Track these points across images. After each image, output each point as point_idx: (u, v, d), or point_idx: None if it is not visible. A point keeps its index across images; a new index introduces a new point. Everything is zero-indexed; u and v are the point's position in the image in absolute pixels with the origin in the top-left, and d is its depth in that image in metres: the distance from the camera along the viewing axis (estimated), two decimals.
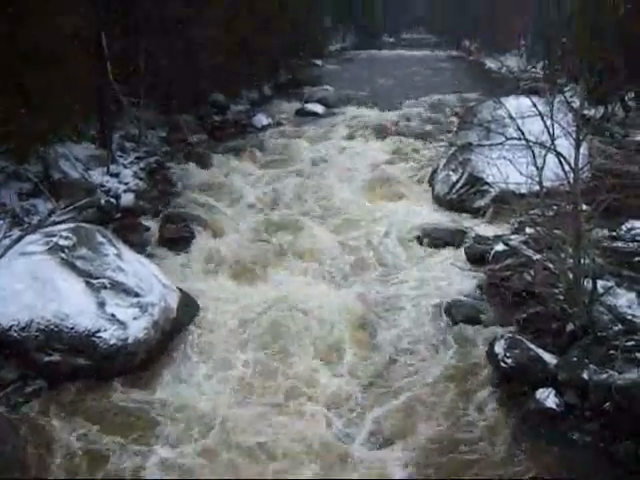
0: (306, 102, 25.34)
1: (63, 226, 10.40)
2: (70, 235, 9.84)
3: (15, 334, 8.62)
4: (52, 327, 8.68)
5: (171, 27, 17.79)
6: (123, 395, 8.45)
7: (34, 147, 12.90)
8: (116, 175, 14.54)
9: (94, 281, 9.29)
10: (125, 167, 15.08)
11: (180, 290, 10.20)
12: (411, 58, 46.08)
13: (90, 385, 8.55)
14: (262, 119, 22.67)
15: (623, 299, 9.01)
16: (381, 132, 20.15)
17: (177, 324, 9.63)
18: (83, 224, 10.64)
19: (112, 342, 8.74)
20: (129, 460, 7.44)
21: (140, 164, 15.56)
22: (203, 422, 7.99)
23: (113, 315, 8.97)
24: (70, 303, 8.92)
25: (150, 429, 7.91)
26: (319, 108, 24.45)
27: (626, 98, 18.41)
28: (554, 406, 7.93)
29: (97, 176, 14.07)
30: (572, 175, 8.81)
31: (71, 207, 12.23)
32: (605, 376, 7.84)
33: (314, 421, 8.06)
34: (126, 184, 14.27)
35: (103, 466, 7.38)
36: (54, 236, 9.76)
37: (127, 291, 9.35)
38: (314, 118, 23.47)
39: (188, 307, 10.02)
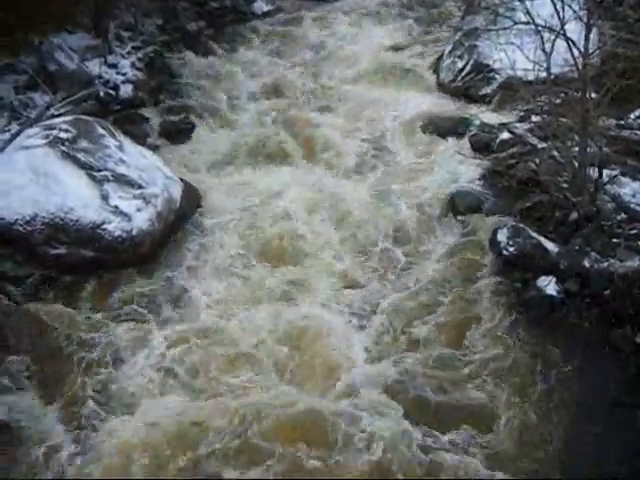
0: None
1: (62, 119, 10.26)
2: (70, 128, 9.70)
3: (20, 228, 8.69)
4: (57, 220, 8.73)
5: None
6: (129, 285, 8.62)
7: (28, 38, 12.54)
8: (114, 66, 14.14)
9: (96, 174, 9.24)
10: (123, 57, 14.64)
11: (183, 181, 10.18)
12: None
13: (97, 276, 8.70)
14: (262, 5, 21.77)
15: (627, 188, 8.97)
16: (384, 18, 19.46)
17: (180, 215, 9.67)
18: (82, 116, 10.47)
19: (117, 234, 8.81)
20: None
21: (138, 54, 15.08)
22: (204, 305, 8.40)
23: (117, 207, 8.98)
24: (74, 196, 8.92)
25: (155, 312, 8.31)
26: None
27: None
28: (554, 293, 8.06)
29: (94, 67, 13.67)
30: (581, 60, 8.58)
31: (69, 99, 12.06)
32: (606, 264, 7.93)
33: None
34: (124, 75, 13.90)
35: (112, 348, 7.80)
36: (54, 129, 9.62)
37: (130, 183, 9.31)
38: (317, 3, 22.49)
39: (191, 198, 10.03)
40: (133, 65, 14.46)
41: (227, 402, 7.03)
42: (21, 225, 8.68)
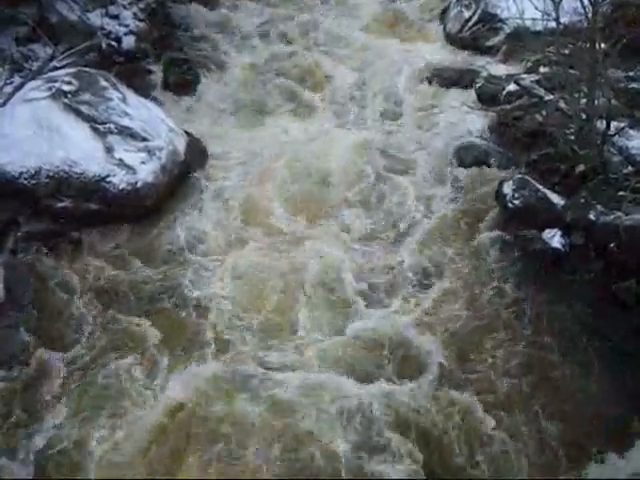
0: None
1: (64, 71, 10.18)
2: (72, 80, 9.65)
3: (25, 182, 8.70)
4: (61, 173, 8.74)
5: None
6: (134, 237, 8.66)
7: None
8: (116, 17, 13.90)
9: (100, 126, 9.20)
10: (124, 8, 14.39)
11: (187, 134, 10.12)
12: None
13: (102, 229, 8.73)
14: None
15: (635, 141, 8.89)
16: None
17: (185, 168, 9.65)
18: (85, 69, 10.36)
19: (122, 187, 8.82)
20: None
21: (140, 4, 14.79)
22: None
23: (121, 160, 8.97)
24: (78, 149, 8.91)
25: (159, 264, 8.42)
26: None
27: None
28: (560, 246, 8.08)
29: (96, 18, 13.46)
30: (591, 9, 8.42)
31: (71, 51, 11.89)
32: (612, 217, 7.91)
33: None
34: (126, 26, 13.68)
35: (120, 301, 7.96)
36: (56, 82, 9.57)
37: (134, 136, 9.28)
38: None
39: (195, 151, 9.99)
40: (135, 16, 14.21)
41: None
42: (26, 178, 8.68)
